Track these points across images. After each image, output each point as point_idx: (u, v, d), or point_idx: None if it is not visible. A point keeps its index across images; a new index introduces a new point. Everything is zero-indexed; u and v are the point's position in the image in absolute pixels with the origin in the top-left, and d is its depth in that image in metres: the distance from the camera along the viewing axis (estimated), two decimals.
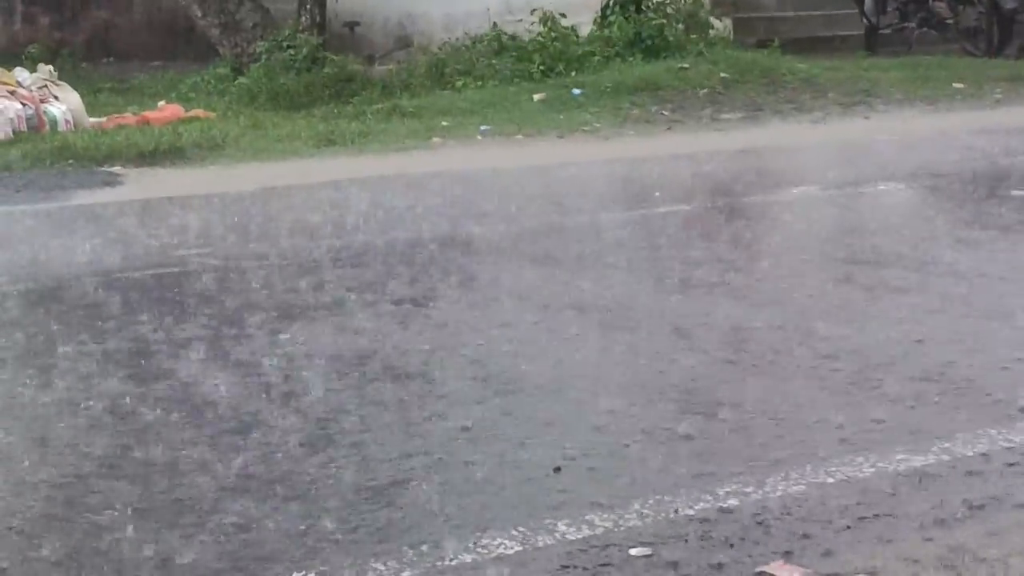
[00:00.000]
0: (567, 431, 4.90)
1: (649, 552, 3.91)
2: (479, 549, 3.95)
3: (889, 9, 18.41)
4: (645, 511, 4.17)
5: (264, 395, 5.37)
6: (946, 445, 4.68)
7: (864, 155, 11.28)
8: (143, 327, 6.39)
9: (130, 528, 4.09)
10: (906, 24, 18.21)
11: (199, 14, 18.45)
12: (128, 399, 5.33)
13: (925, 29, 18.09)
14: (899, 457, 4.58)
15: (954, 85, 15.00)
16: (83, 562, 3.89)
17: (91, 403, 5.31)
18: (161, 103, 15.41)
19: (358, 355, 5.88)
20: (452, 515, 4.16)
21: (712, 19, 17.49)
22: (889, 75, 15.54)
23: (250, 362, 5.82)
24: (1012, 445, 4.66)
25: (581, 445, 4.73)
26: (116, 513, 4.21)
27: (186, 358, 5.87)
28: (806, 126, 13.23)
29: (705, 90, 14.63)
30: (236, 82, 16.96)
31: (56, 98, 13.77)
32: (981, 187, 9.66)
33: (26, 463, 4.69)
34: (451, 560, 3.89)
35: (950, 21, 17.86)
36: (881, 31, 18.47)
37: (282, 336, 6.21)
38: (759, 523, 4.08)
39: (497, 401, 5.26)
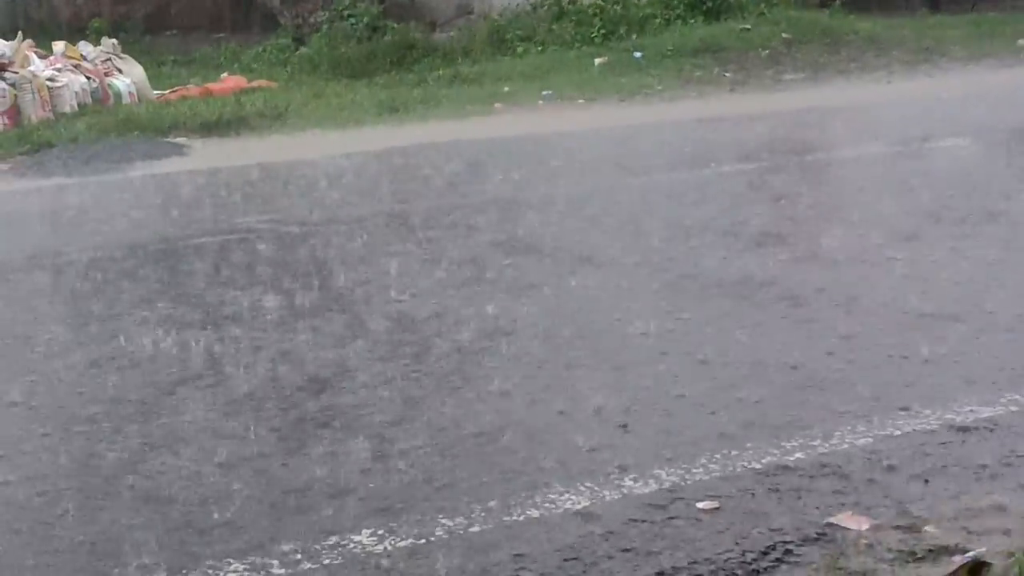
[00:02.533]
0: (633, 388, 4.90)
1: (716, 505, 3.92)
2: (546, 504, 3.96)
3: None
4: (712, 465, 4.17)
5: (341, 349, 5.41)
6: (1015, 396, 4.65)
7: (929, 112, 11.19)
8: (215, 292, 6.43)
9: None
10: None
11: None
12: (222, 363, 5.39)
13: None
14: (968, 408, 4.56)
15: (1019, 42, 14.84)
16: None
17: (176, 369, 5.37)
18: (224, 74, 15.49)
19: (426, 319, 5.90)
20: (519, 471, 4.18)
21: None
22: (952, 33, 15.41)
23: (325, 319, 5.85)
24: None
25: (647, 402, 4.73)
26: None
27: (263, 318, 5.91)
28: (870, 85, 13.14)
29: (767, 51, 14.55)
30: (298, 52, 17.02)
31: (120, 71, 13.86)
32: None
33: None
34: (518, 515, 3.90)
35: None
36: None
37: (357, 291, 6.23)
38: (826, 475, 4.08)
39: (563, 358, 5.27)
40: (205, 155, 10.60)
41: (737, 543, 3.70)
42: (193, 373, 5.27)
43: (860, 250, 6.79)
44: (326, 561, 3.69)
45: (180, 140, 11.32)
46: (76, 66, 13.55)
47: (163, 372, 5.31)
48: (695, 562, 3.61)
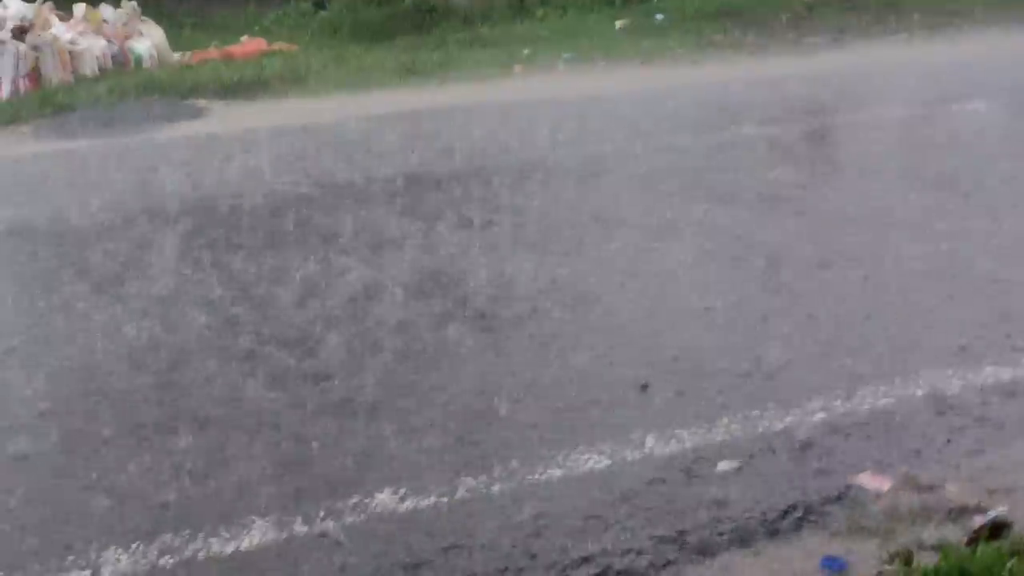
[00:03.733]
0: (653, 350, 4.91)
1: (738, 465, 3.94)
2: (568, 463, 3.99)
3: None
4: (733, 426, 4.19)
5: (351, 312, 5.43)
6: None
7: (950, 75, 11.15)
8: (236, 254, 6.44)
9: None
10: None
11: None
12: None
13: None
14: (987, 371, 4.57)
15: None
16: None
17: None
18: (244, 38, 15.46)
19: (440, 279, 5.91)
20: (541, 431, 4.20)
21: None
22: None
23: (340, 283, 5.87)
24: None
25: (668, 364, 4.75)
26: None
27: (290, 281, 5.93)
28: (891, 48, 13.09)
29: (788, 14, 14.51)
30: (318, 16, 16.99)
31: (140, 34, 13.86)
32: None
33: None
34: (540, 475, 3.93)
35: None
36: None
37: (370, 258, 6.25)
38: (847, 436, 4.09)
39: (585, 320, 5.28)
40: (226, 118, 10.60)
41: (758, 502, 3.72)
42: (221, 345, 5.29)
43: (883, 213, 6.78)
44: (349, 520, 3.72)
45: (201, 103, 11.31)
46: (96, 29, 13.56)
47: (188, 339, 5.33)
48: (717, 520, 3.63)
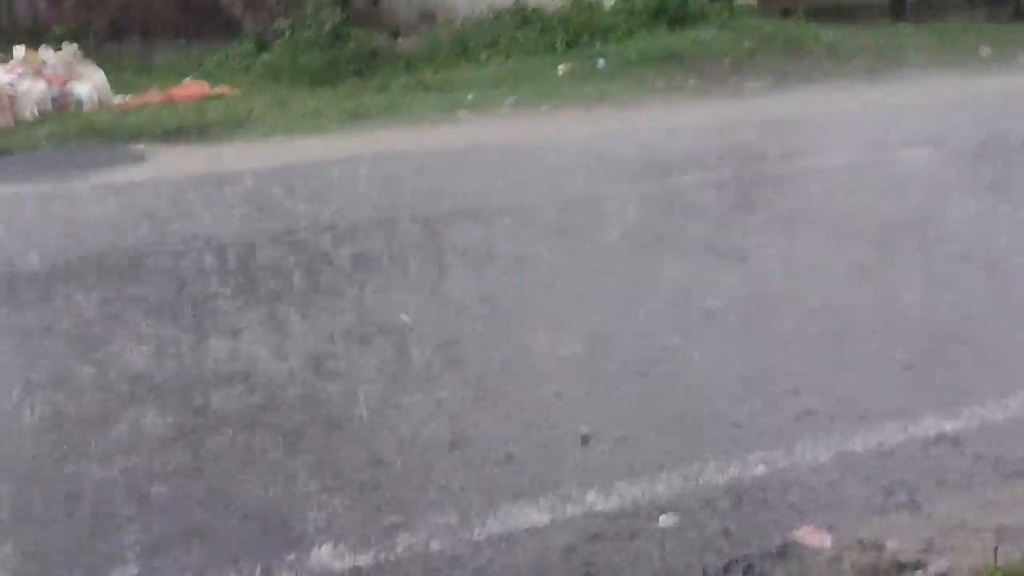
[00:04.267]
0: (593, 402, 4.88)
1: (679, 520, 3.91)
2: (508, 520, 3.95)
3: None
4: (675, 479, 4.16)
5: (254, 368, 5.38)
6: (978, 410, 4.65)
7: (891, 121, 11.21)
8: (169, 301, 6.39)
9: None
10: None
11: None
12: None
13: None
14: (929, 423, 4.56)
15: (981, 51, 14.91)
16: None
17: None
18: (186, 80, 15.41)
19: (378, 327, 5.87)
20: (479, 487, 4.16)
21: None
22: (915, 41, 15.46)
23: (281, 329, 5.82)
24: None
25: (609, 416, 4.72)
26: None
27: (225, 330, 5.88)
28: (832, 93, 13.16)
29: (730, 59, 14.57)
30: (260, 58, 16.95)
31: (82, 77, 13.79)
32: (1008, 152, 9.59)
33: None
34: (479, 532, 3.88)
35: None
36: None
37: (305, 308, 6.21)
38: (788, 490, 4.07)
39: (523, 373, 5.25)
40: (166, 162, 10.54)
41: (699, 558, 3.69)
42: (158, 382, 5.23)
43: (827, 260, 6.79)
44: None
45: (142, 147, 11.25)
46: (37, 72, 13.48)
47: (123, 383, 5.27)
48: None
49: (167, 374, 5.35)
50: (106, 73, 14.25)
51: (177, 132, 11.72)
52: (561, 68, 14.72)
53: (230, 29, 19.03)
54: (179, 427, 4.76)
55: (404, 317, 6.00)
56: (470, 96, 13.44)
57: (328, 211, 8.40)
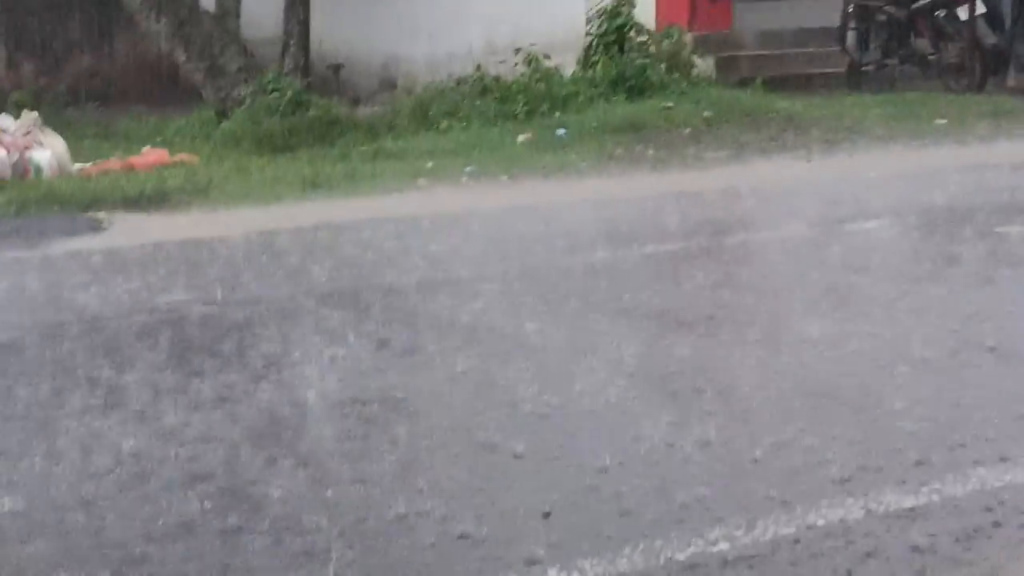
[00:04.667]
0: (554, 477, 4.88)
1: None
2: None
3: (871, 46, 18.45)
4: (636, 557, 4.16)
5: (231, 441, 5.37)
6: (937, 485, 4.68)
7: (848, 193, 11.29)
8: (129, 374, 6.37)
9: None
10: (888, 61, 18.26)
11: (183, 58, 18.46)
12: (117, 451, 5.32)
13: (907, 65, 18.14)
14: (890, 498, 4.58)
15: (937, 121, 15.02)
16: None
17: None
18: (146, 148, 15.39)
19: (338, 400, 5.86)
20: (435, 566, 4.15)
21: (695, 58, 17.54)
22: (872, 112, 15.56)
23: (239, 402, 5.81)
24: (1002, 484, 4.67)
25: (570, 491, 4.72)
26: None
27: (172, 402, 5.86)
28: (790, 164, 13.24)
29: (689, 129, 14.65)
30: (221, 126, 16.95)
31: (41, 144, 13.75)
32: (965, 224, 9.66)
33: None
34: None
35: (932, 57, 17.89)
36: (863, 68, 18.51)
37: (270, 379, 6.20)
38: (750, 566, 4.08)
39: (482, 446, 5.24)
40: (126, 231, 10.51)
41: None
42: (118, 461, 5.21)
43: (784, 333, 6.82)
44: None
45: (101, 215, 11.21)
46: None
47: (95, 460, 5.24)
48: None
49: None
50: (66, 140, 14.21)
51: (137, 200, 11.69)
52: (521, 137, 14.77)
53: (191, 96, 19.05)
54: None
55: (359, 391, 6.00)
56: (430, 164, 13.46)
57: (286, 280, 8.40)
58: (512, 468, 4.97)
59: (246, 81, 17.86)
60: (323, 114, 16.75)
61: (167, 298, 8.00)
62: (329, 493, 4.78)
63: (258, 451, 5.25)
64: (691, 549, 4.21)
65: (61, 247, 9.93)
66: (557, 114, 15.82)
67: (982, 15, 17.18)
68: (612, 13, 17.06)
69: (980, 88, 17.26)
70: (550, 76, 16.83)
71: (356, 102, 19.54)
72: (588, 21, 17.61)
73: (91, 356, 6.78)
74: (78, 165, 13.94)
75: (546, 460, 5.07)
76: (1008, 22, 17.66)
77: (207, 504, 4.70)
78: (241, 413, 5.74)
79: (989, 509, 4.47)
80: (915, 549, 4.18)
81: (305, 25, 18.82)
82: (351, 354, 6.64)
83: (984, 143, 13.94)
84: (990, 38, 17.38)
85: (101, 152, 15.33)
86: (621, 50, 16.96)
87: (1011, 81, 17.85)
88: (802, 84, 18.26)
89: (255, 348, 6.83)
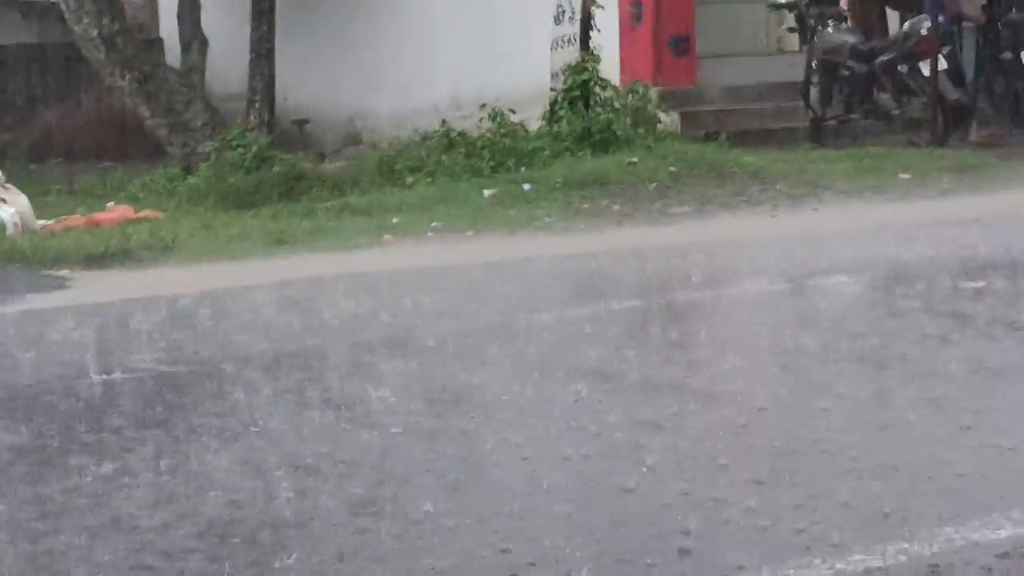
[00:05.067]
0: (519, 536, 4.86)
1: None
2: None
3: (834, 101, 18.55)
4: None
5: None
6: (904, 545, 4.66)
7: (813, 248, 11.32)
8: (94, 435, 6.32)
9: None
10: (851, 115, 18.35)
11: (147, 114, 18.44)
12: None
13: (870, 120, 18.23)
14: (857, 558, 4.56)
15: (900, 176, 15.09)
16: None
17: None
18: (110, 204, 15.35)
19: (303, 464, 5.83)
20: None
21: (660, 113, 17.59)
22: (836, 167, 15.62)
23: (208, 464, 5.77)
24: (964, 543, 4.66)
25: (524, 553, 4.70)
26: None
27: (138, 465, 5.81)
28: (755, 219, 13.27)
29: (654, 184, 14.67)
30: (186, 182, 16.93)
31: (4, 201, 13.70)
32: (931, 279, 9.70)
33: None
34: None
35: (895, 112, 17.99)
36: (827, 122, 18.60)
37: (238, 442, 6.17)
38: None
39: (444, 508, 5.21)
40: (89, 289, 10.46)
41: None
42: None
43: (751, 390, 6.82)
44: None
45: (64, 273, 11.17)
46: None
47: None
48: None
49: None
50: (30, 196, 14.17)
51: (101, 257, 11.64)
52: (487, 192, 14.77)
53: (156, 152, 19.03)
54: None
55: (324, 449, 5.97)
56: (395, 220, 13.45)
57: (249, 339, 8.37)
58: (459, 531, 4.94)
59: (211, 137, 17.85)
60: (288, 169, 16.73)
61: (131, 357, 7.95)
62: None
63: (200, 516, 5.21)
64: None
65: (24, 305, 9.88)
66: (523, 169, 15.83)
67: (944, 70, 17.29)
68: (577, 68, 17.10)
69: (943, 143, 17.35)
70: (515, 131, 16.85)
71: (321, 157, 19.53)
72: (553, 76, 17.66)
73: (42, 417, 6.72)
74: (42, 222, 13.90)
75: (508, 521, 5.04)
76: (970, 77, 17.79)
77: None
78: (188, 478, 5.70)
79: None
80: None
81: (270, 80, 18.83)
82: (306, 415, 6.61)
83: (947, 197, 14.01)
84: (952, 93, 17.48)
85: (65, 208, 15.30)
86: (586, 105, 16.99)
87: (973, 136, 17.98)
88: (766, 139, 18.33)
89: (214, 409, 6.79)
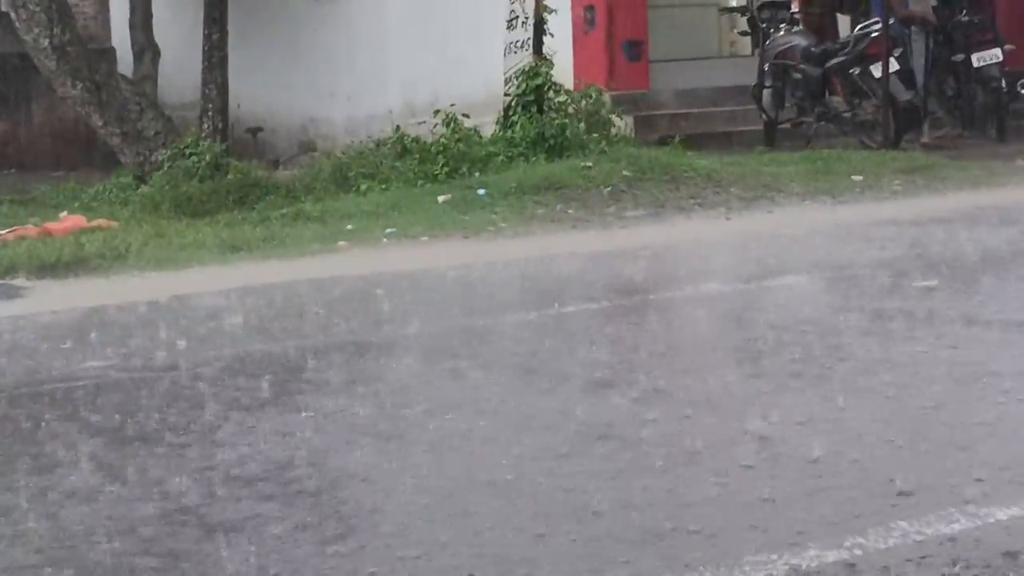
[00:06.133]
0: (477, 538, 4.86)
1: None
2: None
3: (787, 104, 18.64)
4: None
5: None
6: (859, 540, 4.68)
7: (767, 249, 11.37)
8: (47, 444, 6.30)
9: None
10: (804, 118, 18.44)
11: (100, 123, 18.36)
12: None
13: (823, 123, 18.33)
14: (811, 553, 4.58)
15: (853, 178, 15.16)
16: None
17: None
18: (63, 214, 15.29)
19: (257, 472, 5.82)
20: None
21: (613, 117, 17.63)
22: (789, 169, 15.69)
23: (161, 467, 5.75)
24: (922, 538, 4.68)
25: (494, 550, 4.70)
26: None
27: (93, 471, 5.80)
28: (709, 221, 13.33)
29: (608, 188, 14.69)
30: (139, 191, 16.88)
31: None
32: (883, 279, 9.76)
33: None
34: None
35: (847, 114, 18.10)
36: (780, 125, 18.70)
37: (189, 450, 6.15)
38: None
39: (405, 512, 5.22)
40: (43, 298, 10.41)
41: None
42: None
43: (705, 391, 6.85)
44: None
45: (18, 282, 11.11)
46: None
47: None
48: None
49: None
50: None
51: (54, 266, 11.58)
52: (441, 198, 14.76)
53: (109, 161, 18.97)
54: None
55: (271, 454, 5.97)
56: (350, 226, 13.44)
57: (202, 346, 8.35)
58: (427, 529, 4.95)
59: (164, 145, 17.81)
60: (242, 177, 16.71)
61: (80, 365, 7.93)
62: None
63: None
64: None
65: None
66: (477, 174, 15.83)
67: (895, 72, 17.39)
68: (531, 73, 17.11)
69: (895, 144, 17.46)
70: (469, 137, 16.84)
71: (275, 165, 19.53)
72: (507, 81, 17.68)
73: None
74: None
75: (458, 522, 5.05)
76: (921, 79, 17.90)
77: None
78: (146, 483, 5.69)
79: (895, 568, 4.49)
80: None
81: (223, 89, 18.79)
82: (260, 419, 6.61)
83: (899, 198, 14.11)
84: (904, 95, 17.59)
85: (18, 218, 15.22)
86: (540, 110, 17.01)
87: (925, 137, 18.11)
88: (720, 142, 18.42)
89: (169, 415, 6.77)
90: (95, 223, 14.34)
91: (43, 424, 6.69)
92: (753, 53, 19.18)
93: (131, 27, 20.24)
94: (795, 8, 19.07)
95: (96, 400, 7.17)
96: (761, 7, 18.80)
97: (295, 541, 4.90)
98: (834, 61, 17.84)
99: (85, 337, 8.84)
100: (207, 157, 17.02)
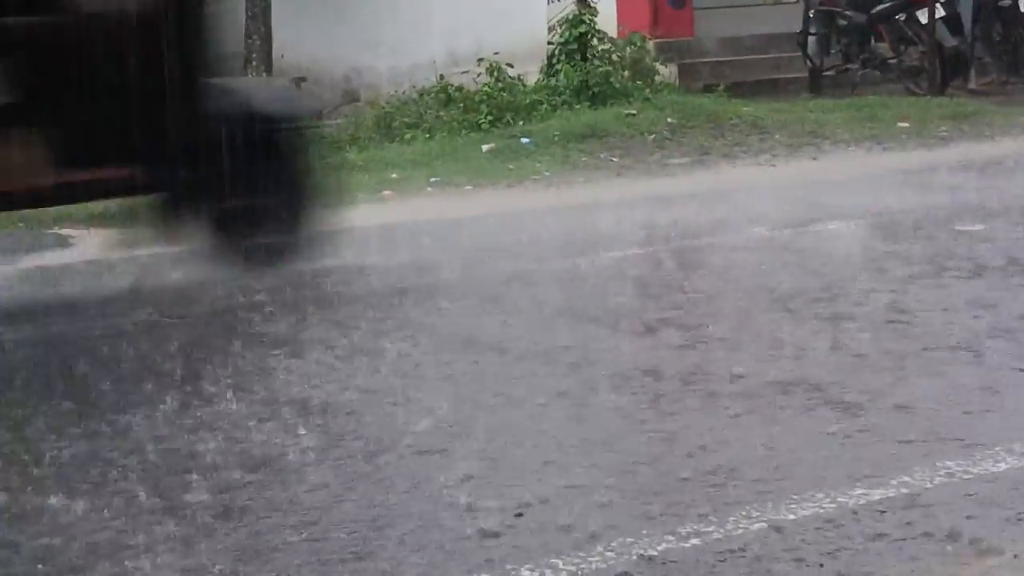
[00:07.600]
0: (526, 476, 4.90)
1: None
2: None
3: (832, 51, 18.56)
4: (609, 553, 4.18)
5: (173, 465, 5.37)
6: (905, 478, 4.71)
7: (813, 195, 11.35)
8: (105, 386, 6.37)
9: None
10: (849, 65, 18.37)
11: None
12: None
13: (868, 69, 18.25)
14: (858, 491, 4.61)
15: (899, 124, 15.12)
16: None
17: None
18: None
19: (298, 409, 5.88)
20: (410, 566, 4.16)
21: (657, 65, 17.61)
22: (834, 116, 15.65)
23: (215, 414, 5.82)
24: (969, 476, 4.70)
25: (541, 490, 4.73)
26: None
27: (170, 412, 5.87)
28: (754, 168, 13.32)
29: (653, 135, 14.70)
30: None
31: None
32: (927, 224, 9.73)
33: None
34: None
35: (893, 61, 18.02)
36: (825, 72, 18.63)
37: (227, 384, 6.21)
38: (721, 560, 4.10)
39: (454, 449, 5.26)
40: (93, 246, 10.50)
41: None
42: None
43: (753, 334, 6.87)
44: None
45: (67, 231, 11.20)
46: None
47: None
48: None
49: None
50: None
51: (103, 216, 11.66)
52: (485, 147, 14.79)
53: None
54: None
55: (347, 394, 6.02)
56: (394, 175, 13.48)
57: (254, 290, 8.40)
58: (476, 468, 4.99)
59: None
60: None
61: (136, 310, 8.02)
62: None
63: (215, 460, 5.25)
64: (664, 545, 4.23)
65: (27, 262, 9.93)
66: (521, 123, 15.85)
67: (942, 18, 17.30)
68: (574, 21, 17.11)
69: (941, 91, 17.38)
70: (513, 85, 16.85)
71: (319, 114, 19.52)
72: (550, 30, 17.67)
73: (65, 369, 6.78)
74: None
75: (510, 461, 5.09)
76: (967, 25, 17.78)
77: None
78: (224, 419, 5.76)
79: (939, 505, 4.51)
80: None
81: (267, 39, 18.79)
82: (320, 359, 6.66)
83: (945, 145, 14.06)
84: (950, 41, 17.50)
85: None
86: (584, 58, 17.01)
87: (972, 83, 18.00)
88: (765, 89, 18.37)
89: (235, 352, 6.84)
90: None
91: (100, 367, 6.76)
92: (798, 0, 19.07)
93: None
94: None
95: (153, 342, 7.24)
96: None
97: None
98: (880, 7, 17.75)
99: (135, 284, 8.92)
100: None
